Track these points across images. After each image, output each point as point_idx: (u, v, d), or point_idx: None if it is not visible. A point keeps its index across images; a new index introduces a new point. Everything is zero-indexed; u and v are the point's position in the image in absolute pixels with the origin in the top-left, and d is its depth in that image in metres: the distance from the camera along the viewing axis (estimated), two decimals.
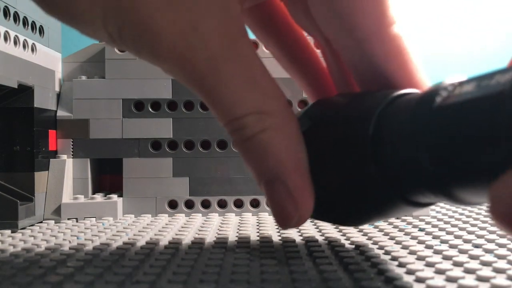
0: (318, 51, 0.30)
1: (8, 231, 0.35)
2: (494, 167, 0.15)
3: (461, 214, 0.42)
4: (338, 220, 0.26)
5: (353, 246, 0.30)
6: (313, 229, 0.35)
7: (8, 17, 0.37)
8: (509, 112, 0.15)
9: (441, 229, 0.34)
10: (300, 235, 0.33)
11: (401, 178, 0.20)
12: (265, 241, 0.31)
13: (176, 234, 0.33)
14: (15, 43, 0.38)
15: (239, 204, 0.44)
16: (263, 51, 0.44)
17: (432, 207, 0.46)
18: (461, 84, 0.18)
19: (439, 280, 0.22)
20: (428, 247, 0.29)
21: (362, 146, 0.21)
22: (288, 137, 0.23)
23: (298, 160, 0.23)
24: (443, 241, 0.30)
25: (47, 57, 0.43)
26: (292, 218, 0.23)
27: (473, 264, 0.24)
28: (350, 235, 0.32)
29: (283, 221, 0.23)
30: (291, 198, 0.23)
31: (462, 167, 0.17)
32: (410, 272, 0.23)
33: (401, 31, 0.25)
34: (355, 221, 0.26)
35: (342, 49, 0.26)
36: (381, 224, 0.37)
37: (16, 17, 0.38)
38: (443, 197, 0.19)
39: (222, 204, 0.44)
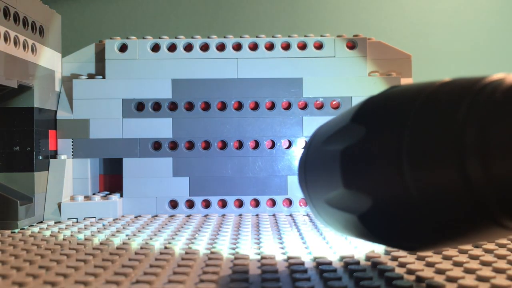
0: None
1: (8, 231, 0.35)
2: None
3: None
4: (409, 243, 0.20)
5: (353, 246, 0.30)
6: (313, 229, 0.36)
7: (8, 17, 0.37)
8: None
9: None
10: (300, 235, 0.33)
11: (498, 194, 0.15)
12: (265, 242, 0.31)
13: (176, 234, 0.33)
14: (15, 43, 0.38)
15: (239, 204, 0.44)
16: (263, 52, 0.44)
17: None
18: None
19: (439, 280, 0.22)
20: None
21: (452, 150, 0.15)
22: None
23: None
24: None
25: (47, 57, 0.43)
26: None
27: (473, 264, 0.24)
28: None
29: None
30: None
31: None
32: (410, 272, 0.23)
33: None
34: (429, 243, 0.19)
35: None
36: None
37: (16, 17, 0.38)
38: None
39: (222, 204, 0.44)
